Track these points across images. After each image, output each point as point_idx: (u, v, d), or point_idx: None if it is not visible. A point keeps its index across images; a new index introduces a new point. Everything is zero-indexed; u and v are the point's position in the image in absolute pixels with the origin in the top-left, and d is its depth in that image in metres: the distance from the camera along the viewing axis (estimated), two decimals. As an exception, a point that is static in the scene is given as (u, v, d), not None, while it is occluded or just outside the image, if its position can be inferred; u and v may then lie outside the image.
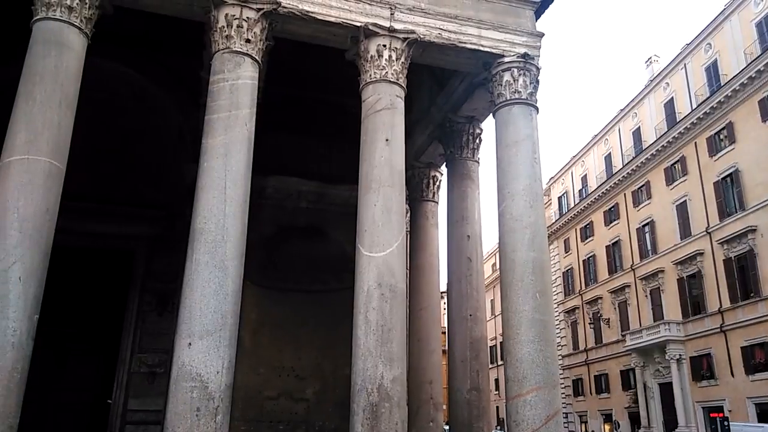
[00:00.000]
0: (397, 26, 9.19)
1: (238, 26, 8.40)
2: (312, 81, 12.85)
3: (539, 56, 9.89)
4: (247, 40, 8.44)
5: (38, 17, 7.79)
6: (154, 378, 11.91)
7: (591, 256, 44.68)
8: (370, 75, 9.04)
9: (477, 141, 11.95)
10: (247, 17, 8.47)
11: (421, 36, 9.31)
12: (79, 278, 12.46)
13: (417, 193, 13.23)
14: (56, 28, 7.76)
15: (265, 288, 12.40)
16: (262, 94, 8.92)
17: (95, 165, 12.05)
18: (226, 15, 8.43)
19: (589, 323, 43.79)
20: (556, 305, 43.65)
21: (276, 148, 12.15)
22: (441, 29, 9.48)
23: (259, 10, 8.55)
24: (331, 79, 11.49)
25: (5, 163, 7.12)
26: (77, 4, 7.87)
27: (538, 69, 9.80)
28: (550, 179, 52.02)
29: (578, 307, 45.80)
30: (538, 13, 10.33)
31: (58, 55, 7.65)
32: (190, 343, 7.09)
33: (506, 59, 9.67)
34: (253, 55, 8.48)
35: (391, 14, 9.23)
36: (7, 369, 6.49)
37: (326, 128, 13.21)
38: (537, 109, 9.67)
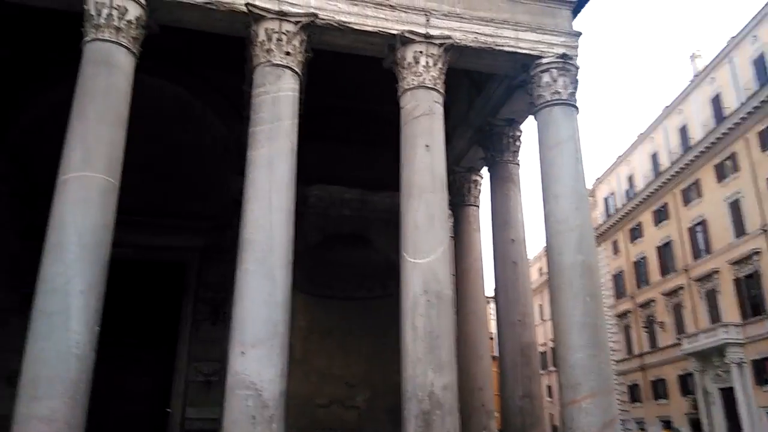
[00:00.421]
0: (433, 32, 9.23)
1: (277, 40, 8.59)
2: (351, 90, 13.00)
3: (578, 56, 9.79)
4: (287, 53, 8.62)
5: (88, 39, 8.10)
6: (210, 386, 12.16)
7: (641, 258, 43.42)
8: (408, 82, 9.11)
9: (517, 143, 11.86)
10: (286, 30, 8.66)
11: (458, 41, 9.32)
12: (135, 290, 12.82)
13: (459, 198, 13.19)
14: (105, 49, 8.06)
15: (313, 296, 12.58)
16: (303, 105, 9.07)
17: (145, 179, 12.41)
18: (266, 29, 8.64)
19: (643, 327, 42.46)
20: (606, 309, 42.46)
21: (318, 157, 12.31)
22: (477, 33, 9.48)
23: (297, 23, 8.73)
24: (370, 87, 11.61)
25: (62, 180, 7.42)
26: (125, 25, 8.16)
27: (577, 68, 9.70)
28: (596, 180, 50.92)
29: (630, 311, 44.53)
30: (575, 12, 10.23)
31: (108, 75, 7.95)
32: (243, 352, 7.24)
33: (545, 60, 9.60)
34: (293, 67, 8.65)
35: (427, 21, 9.29)
36: (73, 380, 6.71)
37: (367, 136, 13.33)
38: (578, 109, 9.57)
